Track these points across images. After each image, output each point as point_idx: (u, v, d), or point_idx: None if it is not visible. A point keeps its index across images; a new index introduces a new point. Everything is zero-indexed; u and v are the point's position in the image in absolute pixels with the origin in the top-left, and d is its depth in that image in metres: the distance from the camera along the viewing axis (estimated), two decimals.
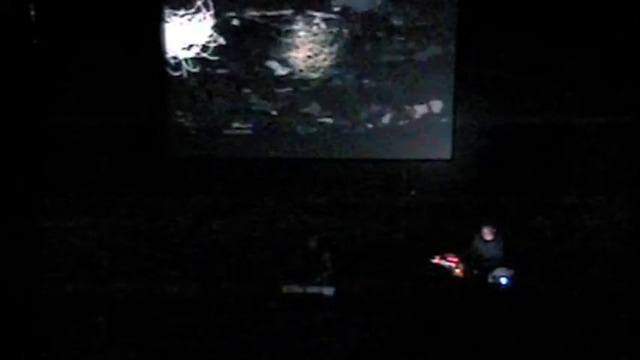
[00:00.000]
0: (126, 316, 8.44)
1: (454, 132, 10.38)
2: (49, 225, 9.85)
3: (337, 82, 10.44)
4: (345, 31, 10.32)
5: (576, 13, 9.80)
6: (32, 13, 10.02)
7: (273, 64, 10.48)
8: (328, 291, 8.68)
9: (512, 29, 9.88)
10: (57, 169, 10.25)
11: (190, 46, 10.40)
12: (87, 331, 8.18)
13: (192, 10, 10.35)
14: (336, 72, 10.42)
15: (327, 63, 10.42)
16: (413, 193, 10.59)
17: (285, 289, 8.68)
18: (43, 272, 9.10)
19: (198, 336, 8.30)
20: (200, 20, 10.37)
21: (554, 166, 10.23)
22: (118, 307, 8.61)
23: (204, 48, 10.41)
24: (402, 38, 10.23)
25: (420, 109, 10.41)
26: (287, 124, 10.54)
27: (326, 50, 10.41)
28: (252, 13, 10.30)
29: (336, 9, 10.27)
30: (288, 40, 10.39)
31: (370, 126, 10.47)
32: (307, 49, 10.40)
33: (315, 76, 10.43)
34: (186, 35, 10.40)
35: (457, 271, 8.93)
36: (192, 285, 9.29)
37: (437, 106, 10.41)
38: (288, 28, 10.36)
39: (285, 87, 10.50)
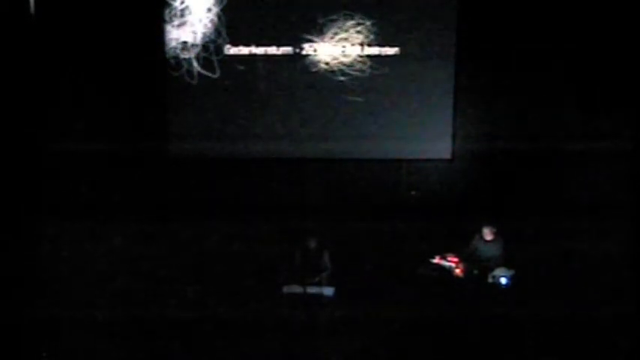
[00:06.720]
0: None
1: (454, 133, 10.41)
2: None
3: (338, 83, 10.47)
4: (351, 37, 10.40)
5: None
6: (32, 12, 9.99)
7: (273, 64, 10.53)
8: (328, 291, 8.67)
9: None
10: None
11: (191, 45, 10.41)
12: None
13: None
14: (336, 73, 10.45)
15: (326, 63, 10.45)
16: (413, 193, 10.61)
17: (285, 289, 8.68)
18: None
19: (198, 339, 8.29)
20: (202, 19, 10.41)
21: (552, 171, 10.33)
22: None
23: (204, 48, 10.43)
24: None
25: (421, 110, 10.45)
26: (287, 124, 10.58)
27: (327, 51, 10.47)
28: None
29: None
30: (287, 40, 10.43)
31: (370, 126, 10.50)
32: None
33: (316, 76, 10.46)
34: (187, 35, 10.42)
35: (457, 271, 8.94)
36: (195, 286, 9.29)
37: (437, 107, 10.45)
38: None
39: (285, 87, 10.54)
